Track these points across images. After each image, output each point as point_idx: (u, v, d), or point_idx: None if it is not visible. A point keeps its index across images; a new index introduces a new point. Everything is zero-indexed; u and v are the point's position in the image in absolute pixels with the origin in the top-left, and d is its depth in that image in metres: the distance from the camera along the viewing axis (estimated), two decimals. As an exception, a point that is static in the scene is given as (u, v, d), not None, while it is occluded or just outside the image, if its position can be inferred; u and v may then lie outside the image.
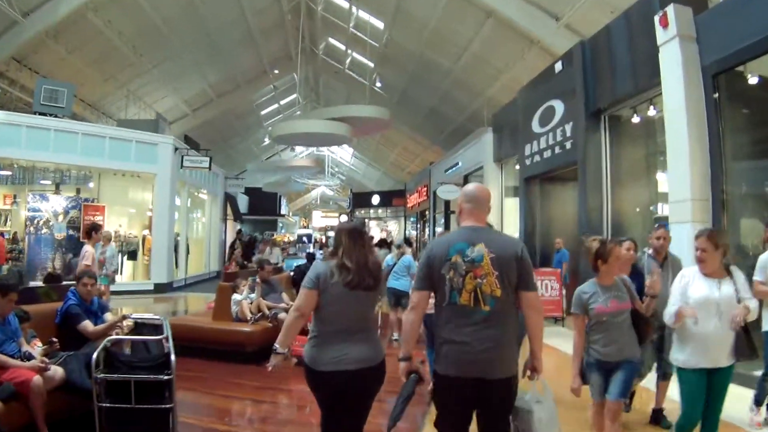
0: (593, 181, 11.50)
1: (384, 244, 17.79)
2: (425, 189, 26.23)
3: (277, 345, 3.67)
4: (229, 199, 28.69)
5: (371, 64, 25.55)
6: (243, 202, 38.29)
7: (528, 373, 3.53)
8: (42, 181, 18.77)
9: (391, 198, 35.91)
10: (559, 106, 12.78)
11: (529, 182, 14.54)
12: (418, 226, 29.95)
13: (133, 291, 17.65)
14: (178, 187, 21.15)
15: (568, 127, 12.30)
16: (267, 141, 38.26)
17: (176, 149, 19.79)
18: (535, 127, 13.76)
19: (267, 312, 9.35)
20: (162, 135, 19.65)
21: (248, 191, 37.52)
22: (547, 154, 13.16)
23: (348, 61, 27.62)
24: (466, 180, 19.89)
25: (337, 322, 3.58)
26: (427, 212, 26.76)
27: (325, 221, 62.06)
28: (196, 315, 11.24)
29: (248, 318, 9.13)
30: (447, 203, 22.39)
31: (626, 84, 10.34)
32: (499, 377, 3.27)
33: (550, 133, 13.05)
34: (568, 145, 12.28)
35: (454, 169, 21.15)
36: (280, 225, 49.09)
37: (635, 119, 10.70)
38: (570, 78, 12.12)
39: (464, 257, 3.31)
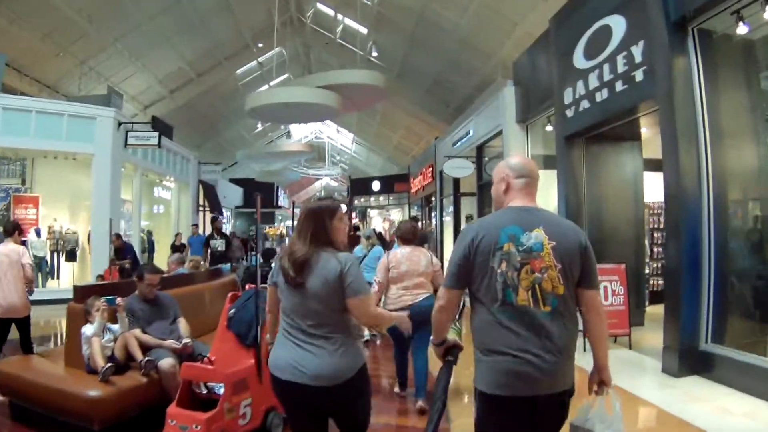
0: (684, 125, 7.05)
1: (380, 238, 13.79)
2: (430, 170, 21.57)
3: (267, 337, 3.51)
4: (205, 188, 24.15)
5: (365, 30, 22.18)
6: (237, 193, 35.58)
7: (595, 387, 2.82)
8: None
9: (393, 183, 31.23)
10: (617, 23, 8.29)
11: (572, 143, 10.03)
12: (423, 213, 25.18)
13: (53, 300, 12.62)
14: (130, 171, 17.20)
15: (636, 51, 7.81)
16: (260, 127, 34.54)
17: (120, 124, 15.59)
18: (580, 61, 9.27)
19: (139, 356, 5.29)
20: (102, 107, 15.54)
21: (242, 182, 35.98)
22: (602, 95, 8.65)
23: (339, 29, 24.05)
24: (480, 152, 15.39)
25: (290, 319, 3.09)
26: (433, 197, 22.03)
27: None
28: (44, 354, 6.73)
29: (98, 368, 5.06)
30: (456, 183, 17.89)
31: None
32: (559, 390, 2.60)
33: (604, 65, 8.56)
34: (638, 75, 7.78)
35: (464, 139, 16.52)
36: (279, 218, 44.74)
37: (741, 30, 6.49)
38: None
39: (519, 245, 2.61)
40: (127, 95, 21.78)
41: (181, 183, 22.05)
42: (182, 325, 5.95)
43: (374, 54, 22.97)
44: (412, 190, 26.51)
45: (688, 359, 6.88)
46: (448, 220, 19.63)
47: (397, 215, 34.69)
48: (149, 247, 19.08)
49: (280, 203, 42.59)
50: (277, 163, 35.73)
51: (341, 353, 2.99)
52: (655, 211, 12.17)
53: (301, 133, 41.31)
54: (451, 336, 2.99)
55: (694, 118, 6.98)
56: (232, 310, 5.13)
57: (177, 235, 17.77)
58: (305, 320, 3.02)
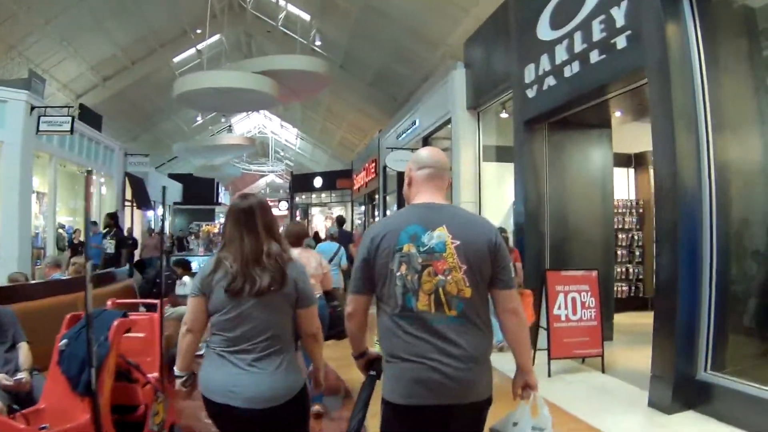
0: (682, 103, 5.51)
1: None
2: (373, 165, 19.91)
3: (176, 368, 2.86)
4: (132, 181, 21.94)
5: (307, 17, 20.83)
6: (176, 189, 34.11)
7: (520, 392, 2.61)
8: None
9: (335, 179, 29.32)
10: (592, -17, 6.75)
11: (532, 129, 8.49)
12: (366, 211, 23.48)
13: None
14: (46, 161, 15.13)
15: (617, 13, 6.27)
16: (199, 120, 32.58)
17: (33, 109, 13.47)
18: (544, 32, 7.74)
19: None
20: (13, 89, 13.47)
21: (182, 178, 34.38)
22: (572, 69, 7.13)
23: (282, 15, 22.32)
24: (426, 144, 13.71)
25: (225, 335, 2.68)
26: (376, 194, 20.36)
27: (280, 213, 55.78)
28: None
29: None
30: (400, 179, 16.26)
31: None
32: (471, 401, 2.42)
33: (576, 34, 7.02)
34: (620, 41, 6.23)
35: (410, 131, 14.91)
36: (220, 215, 42.46)
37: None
38: None
39: (420, 246, 2.42)
40: (57, 83, 20.02)
41: (105, 176, 19.99)
42: (22, 352, 4.33)
43: (318, 43, 21.59)
44: (355, 187, 24.77)
45: (683, 391, 5.40)
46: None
47: (339, 213, 32.99)
48: (69, 245, 16.81)
49: (220, 200, 40.92)
50: (218, 158, 33.21)
51: (283, 371, 2.69)
52: (620, 210, 10.82)
53: (244, 127, 39.33)
54: (375, 349, 2.77)
55: (692, 95, 5.49)
56: (64, 341, 3.65)
57: (75, 231, 16.00)
58: (247, 335, 2.67)
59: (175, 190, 34.43)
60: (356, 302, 2.56)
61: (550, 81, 7.53)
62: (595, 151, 8.81)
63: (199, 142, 28.44)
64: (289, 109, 34.54)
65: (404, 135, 15.26)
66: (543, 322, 6.99)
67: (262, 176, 51.04)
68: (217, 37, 23.41)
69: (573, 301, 6.91)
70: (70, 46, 19.08)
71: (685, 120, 5.45)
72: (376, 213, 20.28)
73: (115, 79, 22.99)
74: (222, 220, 33.93)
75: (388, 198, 18.70)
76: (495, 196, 10.82)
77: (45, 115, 13.46)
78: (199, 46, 23.98)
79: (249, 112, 36.58)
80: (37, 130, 13.40)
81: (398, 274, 2.41)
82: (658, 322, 5.76)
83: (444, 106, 11.82)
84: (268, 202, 2.94)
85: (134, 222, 23.32)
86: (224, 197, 44.20)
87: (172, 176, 35.22)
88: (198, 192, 35.68)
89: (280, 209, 42.64)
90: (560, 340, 6.81)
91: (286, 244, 2.82)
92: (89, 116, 18.87)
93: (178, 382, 2.85)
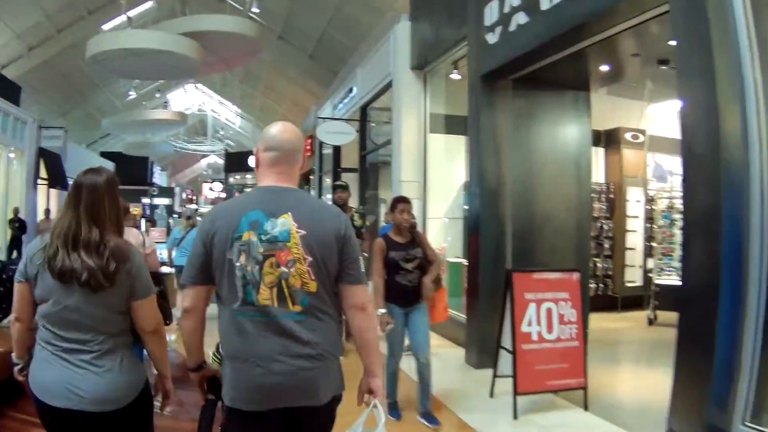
0: (721, 40, 3.65)
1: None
2: (309, 142, 17.80)
3: (13, 355, 2.64)
4: (46, 157, 19.41)
5: None
6: (106, 167, 30.55)
7: (366, 397, 2.42)
8: None
9: (271, 159, 26.98)
10: None
11: (493, 87, 6.56)
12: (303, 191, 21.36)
13: None
14: None
15: None
16: (132, 94, 29.98)
17: None
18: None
19: None
20: None
21: (112, 156, 32.34)
22: (549, 2, 5.20)
23: None
24: (364, 114, 11.75)
25: (55, 329, 2.36)
26: (311, 174, 18.26)
27: (215, 194, 53.50)
28: None
29: None
30: (336, 157, 14.29)
31: None
32: (319, 404, 2.26)
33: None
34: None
35: (347, 100, 12.83)
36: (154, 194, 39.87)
37: None
38: None
39: (262, 234, 2.22)
40: None
41: (15, 150, 17.72)
42: None
43: (255, 10, 19.51)
44: (292, 166, 22.50)
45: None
46: (328, 202, 15.97)
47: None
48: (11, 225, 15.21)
49: (154, 180, 38.46)
50: (151, 135, 31.52)
51: (125, 369, 2.41)
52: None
53: (182, 104, 36.74)
54: (214, 363, 2.49)
55: (735, 32, 3.64)
56: None
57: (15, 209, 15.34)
58: (80, 329, 2.35)
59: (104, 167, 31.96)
60: (193, 295, 2.28)
61: (520, 18, 5.59)
62: (570, 119, 6.95)
63: (125, 116, 26.04)
64: (227, 84, 32.92)
65: (341, 105, 13.21)
66: (505, 341, 5.14)
67: (204, 156, 49.05)
68: (149, 3, 21.78)
69: (548, 313, 5.03)
70: None
71: (726, 65, 3.62)
72: (313, 193, 18.15)
73: (41, 49, 20.95)
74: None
75: (325, 178, 16.55)
76: (443, 175, 8.92)
77: None
78: (130, 13, 21.29)
79: (184, 86, 34.74)
80: None
81: (237, 264, 2.21)
82: (683, 351, 3.92)
83: (385, 67, 9.79)
84: (116, 180, 2.49)
85: (50, 202, 20.87)
86: (160, 177, 41.73)
87: (104, 154, 33.22)
88: (130, 172, 32.66)
89: (214, 189, 40.68)
90: (530, 369, 4.92)
91: (111, 232, 2.39)
92: (5, 86, 17.15)
93: (15, 369, 2.61)
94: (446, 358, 6.74)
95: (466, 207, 8.35)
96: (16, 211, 15.49)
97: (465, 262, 7.67)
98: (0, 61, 19.61)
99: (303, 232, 2.21)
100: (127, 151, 31.32)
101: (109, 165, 31.79)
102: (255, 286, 2.19)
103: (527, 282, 5.05)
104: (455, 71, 8.30)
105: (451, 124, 8.84)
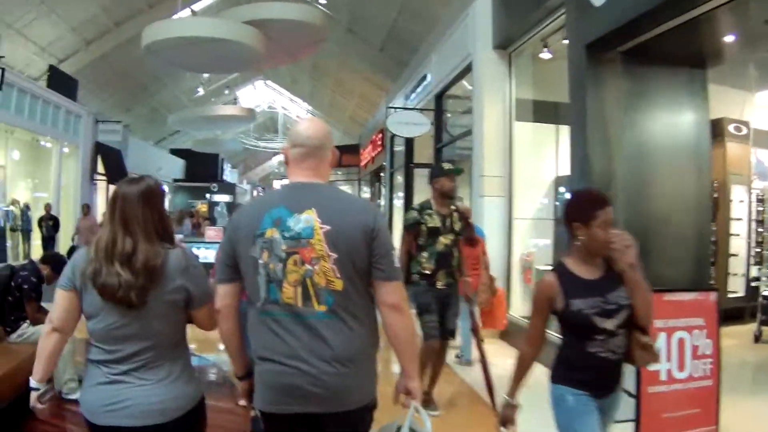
0: None
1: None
2: (380, 137, 16.88)
3: (31, 378, 2.32)
4: (103, 152, 19.11)
5: None
6: (176, 165, 32.54)
7: (403, 398, 2.29)
8: None
9: (341, 155, 26.06)
10: None
11: (599, 59, 5.40)
12: (373, 191, 20.43)
13: None
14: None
15: None
16: (200, 92, 29.97)
17: None
18: None
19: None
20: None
21: (183, 153, 33.20)
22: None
23: None
24: (439, 102, 10.72)
25: (105, 345, 2.24)
26: (382, 171, 17.30)
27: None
28: None
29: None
30: (409, 151, 13.28)
31: None
32: (345, 409, 2.16)
33: None
34: None
35: (420, 89, 11.82)
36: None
37: None
38: None
39: (285, 231, 2.17)
40: (35, 46, 17.97)
41: (69, 145, 17.32)
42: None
43: (322, 0, 18.90)
44: (362, 163, 21.71)
45: None
46: (400, 201, 14.93)
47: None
48: (23, 224, 14.29)
49: (224, 177, 38.47)
50: (225, 133, 31.90)
51: (178, 382, 2.28)
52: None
53: (252, 102, 36.59)
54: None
55: None
56: None
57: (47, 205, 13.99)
58: (130, 344, 2.23)
59: (176, 165, 32.81)
60: (222, 293, 2.27)
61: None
62: (685, 102, 5.74)
63: (196, 112, 25.86)
64: (297, 81, 32.57)
65: (413, 96, 12.21)
66: (629, 382, 4.03)
67: (276, 154, 48.38)
68: (207, -8, 20.99)
69: (680, 345, 3.90)
70: (43, 3, 16.55)
71: None
72: (383, 192, 17.17)
73: (99, 43, 20.43)
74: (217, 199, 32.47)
75: (396, 175, 15.57)
76: (531, 170, 7.82)
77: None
78: (194, 6, 20.96)
79: (253, 83, 34.66)
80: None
81: (261, 261, 2.17)
82: None
83: (463, 48, 8.72)
84: (156, 189, 2.37)
85: (107, 199, 20.56)
86: (230, 175, 41.81)
87: (174, 151, 33.70)
88: (200, 168, 33.45)
89: (283, 187, 40.71)
90: (656, 417, 3.79)
91: (148, 243, 2.24)
92: (61, 80, 16.85)
93: (33, 396, 2.29)
94: (534, 389, 5.66)
95: (558, 205, 7.27)
96: (47, 207, 14.13)
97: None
98: (56, 55, 19.44)
99: (327, 227, 2.14)
100: (196, 147, 31.37)
101: (180, 162, 32.96)
102: (278, 284, 2.15)
103: (656, 305, 3.92)
104: (545, 49, 7.22)
105: (540, 111, 7.77)
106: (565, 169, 7.47)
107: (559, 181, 7.61)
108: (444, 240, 4.87)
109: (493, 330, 6.96)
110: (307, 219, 2.14)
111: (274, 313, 2.15)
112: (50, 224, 13.64)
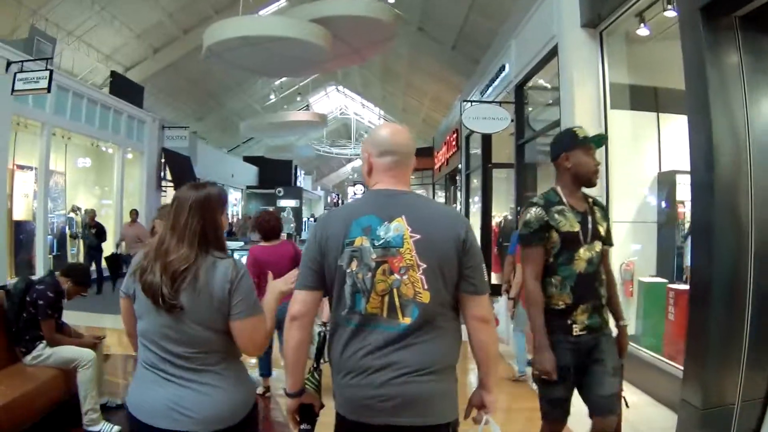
0: None
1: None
2: (455, 137, 15.96)
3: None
4: (169, 158, 18.89)
5: None
6: (249, 172, 33.36)
7: (474, 412, 2.28)
8: None
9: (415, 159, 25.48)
10: None
11: (716, 26, 4.28)
12: (448, 195, 19.50)
13: None
14: (40, 129, 12.60)
15: None
16: (273, 98, 30.21)
17: (9, 64, 10.79)
18: None
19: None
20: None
21: (257, 160, 34.04)
22: None
23: None
24: (520, 94, 9.72)
25: (152, 347, 2.27)
26: (457, 173, 16.34)
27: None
28: None
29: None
30: (486, 150, 12.31)
31: None
32: (424, 424, 2.09)
33: None
34: None
35: (497, 81, 10.81)
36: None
37: None
38: None
39: (374, 239, 2.12)
40: (99, 54, 18.32)
41: (133, 151, 17.30)
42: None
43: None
44: (436, 166, 20.77)
45: None
46: (476, 206, 13.97)
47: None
48: (83, 232, 13.73)
49: (299, 183, 39.48)
50: (298, 140, 32.50)
51: (232, 387, 2.27)
52: None
53: (325, 108, 36.74)
54: (310, 389, 2.29)
55: None
56: None
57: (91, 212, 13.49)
58: (180, 347, 2.24)
59: (249, 172, 33.54)
60: (301, 300, 2.18)
61: None
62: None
63: (267, 119, 25.77)
64: (368, 86, 32.34)
65: (490, 90, 11.26)
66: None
67: (350, 161, 49.27)
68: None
69: None
70: (103, 10, 16.86)
71: None
72: (458, 196, 16.21)
73: (166, 51, 20.78)
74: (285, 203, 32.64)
75: (472, 177, 14.63)
76: (631, 165, 6.75)
77: (21, 71, 10.60)
78: (262, 11, 20.88)
79: (325, 89, 34.68)
80: (12, 90, 10.55)
81: (348, 271, 2.12)
82: None
83: (547, 30, 7.71)
84: (214, 197, 2.37)
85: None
86: (304, 181, 42.16)
87: (247, 159, 34.40)
88: (274, 175, 34.26)
89: (357, 193, 40.45)
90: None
91: (195, 250, 2.24)
92: (125, 87, 16.84)
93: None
94: (647, 423, 4.71)
95: (663, 206, 6.27)
96: (92, 215, 13.20)
97: (670, 283, 5.59)
98: (122, 63, 19.65)
99: (417, 236, 2.10)
100: (269, 155, 31.83)
101: (253, 169, 33.66)
102: (365, 294, 2.10)
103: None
104: (642, 25, 6.22)
105: (639, 98, 6.74)
106: (671, 164, 6.49)
107: (662, 178, 6.54)
108: (586, 253, 3.06)
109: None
110: (397, 227, 2.11)
111: (355, 323, 2.11)
112: (93, 232, 12.75)
